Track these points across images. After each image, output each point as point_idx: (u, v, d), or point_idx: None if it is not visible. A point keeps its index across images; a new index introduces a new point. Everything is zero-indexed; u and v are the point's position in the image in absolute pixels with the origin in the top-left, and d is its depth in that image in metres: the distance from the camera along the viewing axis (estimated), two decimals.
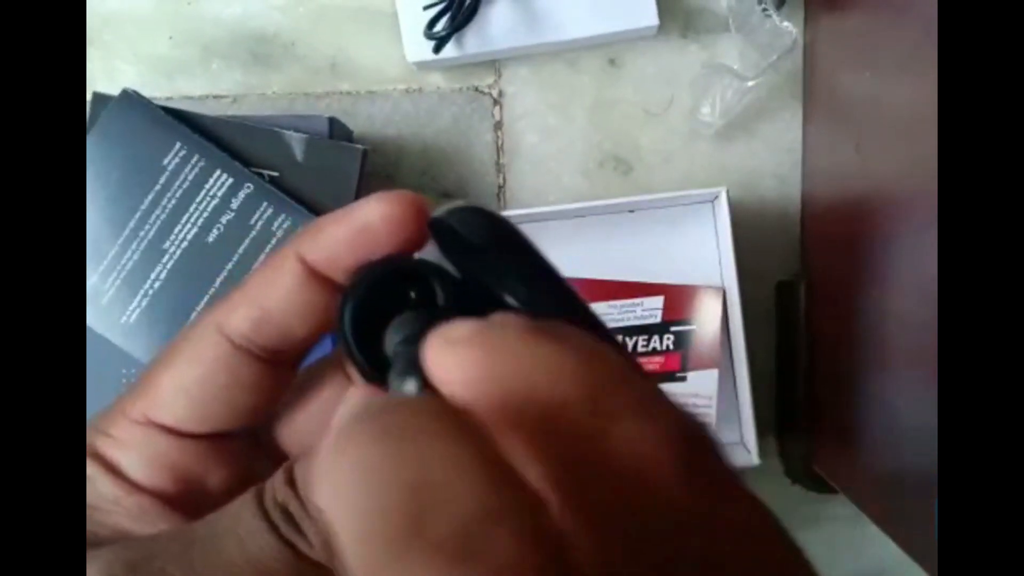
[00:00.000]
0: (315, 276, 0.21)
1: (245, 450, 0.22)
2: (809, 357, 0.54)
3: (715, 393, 0.53)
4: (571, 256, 0.54)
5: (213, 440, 0.21)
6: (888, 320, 0.43)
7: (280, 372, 0.22)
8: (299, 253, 0.21)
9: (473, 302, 0.19)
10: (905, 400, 0.41)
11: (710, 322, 0.53)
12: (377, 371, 0.19)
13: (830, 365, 0.52)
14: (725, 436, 0.54)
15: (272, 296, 0.21)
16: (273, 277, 0.21)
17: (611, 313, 0.53)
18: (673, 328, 0.54)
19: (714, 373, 0.53)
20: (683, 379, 0.53)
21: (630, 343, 0.54)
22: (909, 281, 0.41)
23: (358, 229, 0.20)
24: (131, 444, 0.21)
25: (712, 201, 0.54)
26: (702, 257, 0.55)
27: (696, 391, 0.53)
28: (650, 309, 0.54)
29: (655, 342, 0.54)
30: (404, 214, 0.20)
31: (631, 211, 0.54)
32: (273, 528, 0.17)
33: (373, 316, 0.19)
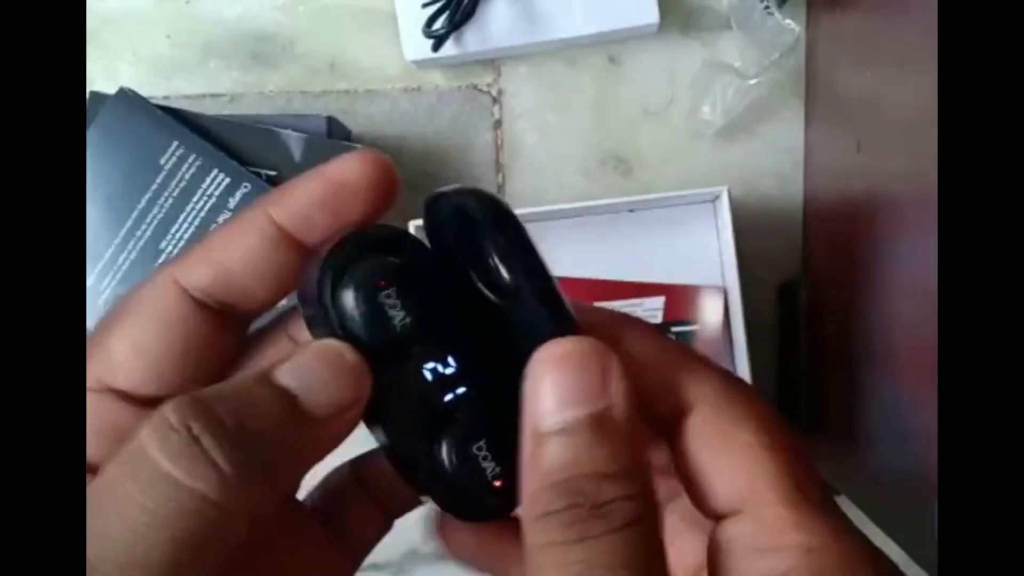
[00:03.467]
0: (284, 236, 0.20)
1: None
2: (810, 357, 0.54)
3: None
4: (571, 256, 0.53)
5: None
6: (889, 320, 0.43)
7: (234, 332, 0.21)
8: (269, 212, 0.20)
9: (442, 278, 0.20)
10: (905, 400, 0.41)
11: (712, 322, 0.53)
12: (344, 332, 0.19)
13: (831, 366, 0.52)
14: None
15: (236, 254, 0.20)
16: (239, 235, 0.20)
17: None
18: (675, 328, 0.54)
19: None
20: None
21: None
22: (910, 281, 0.41)
23: (333, 188, 0.20)
24: (92, 414, 0.20)
25: (713, 201, 0.54)
26: (703, 257, 0.54)
27: None
28: (651, 309, 0.54)
29: None
30: (377, 174, 0.20)
31: (631, 210, 0.54)
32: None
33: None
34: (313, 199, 0.20)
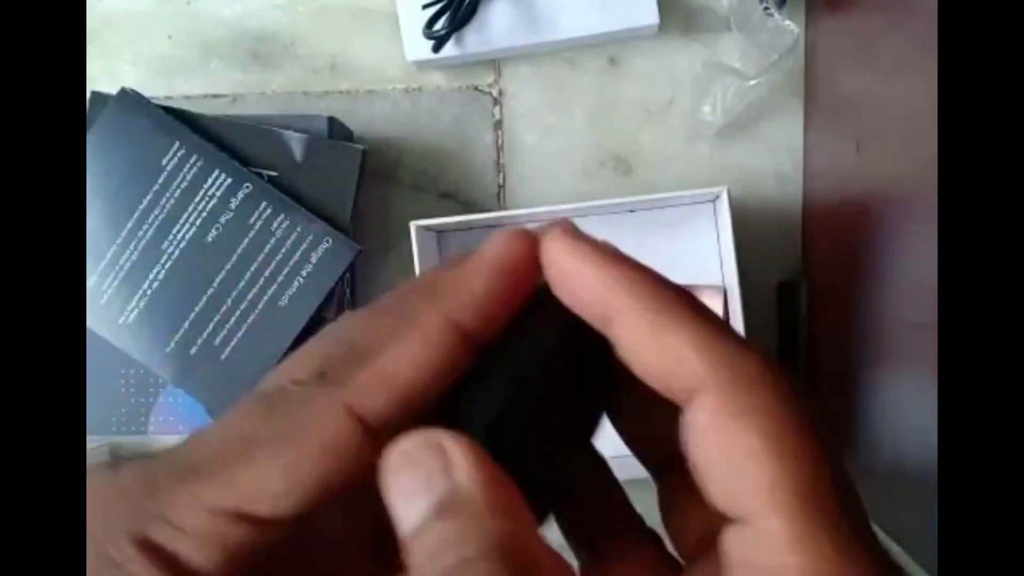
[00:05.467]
0: (464, 339, 0.18)
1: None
2: (809, 357, 0.54)
3: None
4: None
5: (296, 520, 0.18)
6: (889, 320, 0.43)
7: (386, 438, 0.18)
8: (444, 315, 0.18)
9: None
10: (905, 400, 0.41)
11: None
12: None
13: (830, 365, 0.52)
14: None
15: (418, 370, 0.18)
16: (414, 344, 0.18)
17: None
18: None
19: None
20: None
21: None
22: (910, 281, 0.41)
23: (506, 278, 0.19)
24: (202, 535, 0.17)
25: (713, 201, 0.54)
26: (703, 257, 0.54)
27: None
28: None
29: None
30: (531, 250, 0.19)
31: (631, 211, 0.54)
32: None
33: None
34: (491, 293, 0.19)
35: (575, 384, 0.20)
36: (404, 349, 0.18)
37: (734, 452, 0.17)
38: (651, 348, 0.18)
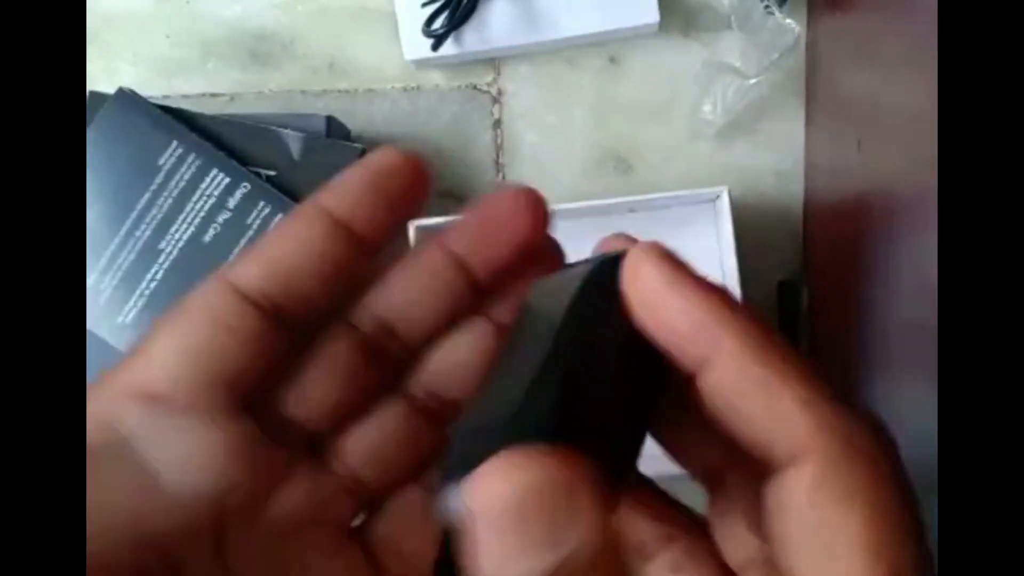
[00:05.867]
0: (337, 227, 0.20)
1: (230, 429, 0.20)
2: (810, 357, 0.54)
3: None
4: (571, 256, 0.53)
5: (200, 409, 0.19)
6: (889, 320, 0.43)
7: (284, 337, 0.20)
8: (319, 204, 0.20)
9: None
10: (905, 400, 0.41)
11: None
12: None
13: (831, 365, 0.52)
14: None
15: (290, 248, 0.20)
16: (292, 230, 0.20)
17: None
18: None
19: None
20: None
21: None
22: (910, 280, 0.40)
23: (375, 173, 0.20)
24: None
25: (714, 201, 0.54)
26: (704, 257, 0.54)
27: None
28: None
29: None
30: (410, 161, 0.20)
31: (631, 210, 0.54)
32: None
33: None
34: (361, 183, 0.20)
35: (631, 395, 0.18)
36: (277, 231, 0.20)
37: (832, 537, 0.15)
38: (754, 399, 0.16)
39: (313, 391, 0.21)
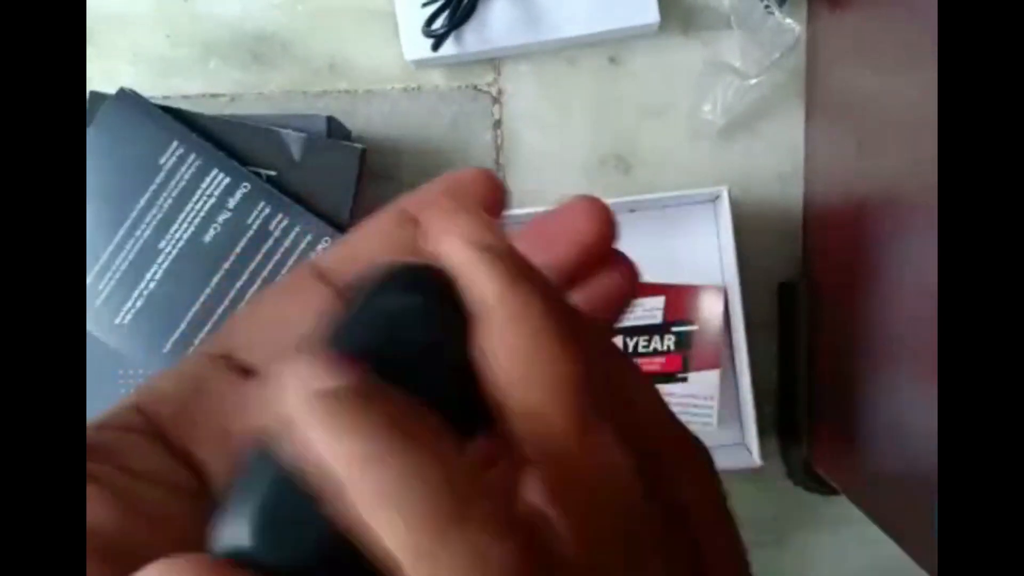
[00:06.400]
0: (410, 217, 0.21)
1: None
2: (810, 357, 0.54)
3: (716, 394, 0.53)
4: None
5: None
6: (889, 320, 0.43)
7: None
8: (402, 207, 0.22)
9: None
10: (906, 400, 0.41)
11: (711, 322, 0.53)
12: None
13: (831, 365, 0.52)
14: (726, 437, 0.54)
15: (377, 245, 0.22)
16: (375, 227, 0.22)
17: None
18: (674, 328, 0.54)
19: (715, 374, 0.53)
20: (684, 380, 0.53)
21: (630, 344, 0.54)
22: (910, 281, 0.40)
23: (457, 183, 0.22)
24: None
25: (713, 201, 0.54)
26: (703, 257, 0.54)
27: (696, 392, 0.53)
28: (651, 309, 0.54)
29: (656, 343, 0.53)
30: (491, 179, 0.22)
31: (632, 211, 0.54)
32: None
33: None
34: (440, 191, 0.22)
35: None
36: (362, 231, 0.22)
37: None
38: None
39: None
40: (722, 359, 0.53)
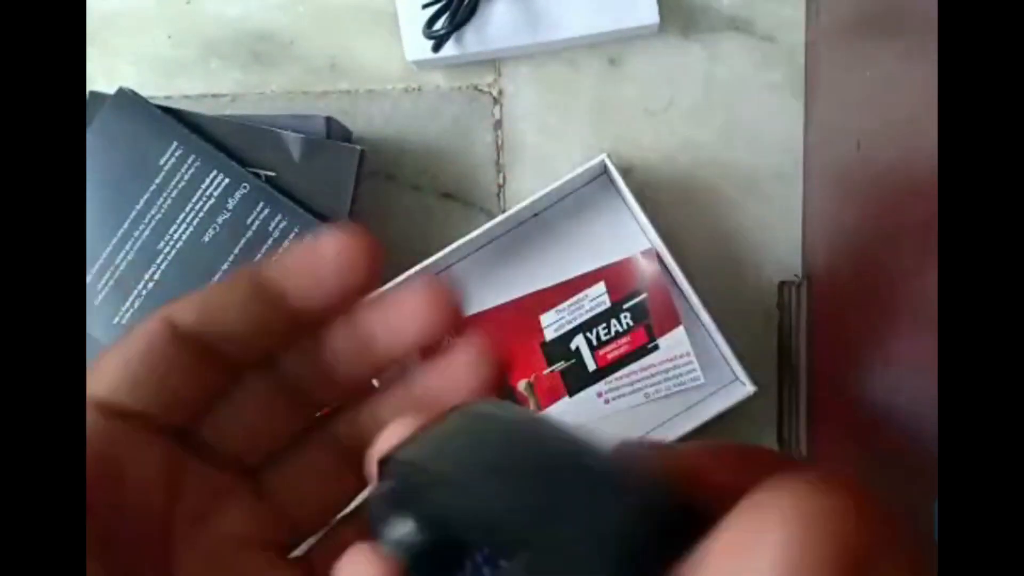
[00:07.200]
0: (268, 291, 0.22)
1: (171, 448, 0.23)
2: (810, 357, 0.54)
3: (690, 348, 0.53)
4: (497, 284, 0.54)
5: (140, 426, 0.22)
6: (889, 320, 0.43)
7: (216, 374, 0.23)
8: (259, 270, 0.23)
9: None
10: (906, 400, 0.41)
11: (656, 285, 0.53)
12: None
13: (831, 365, 0.52)
14: (718, 380, 0.53)
15: (222, 300, 0.23)
16: (230, 284, 0.23)
17: (561, 318, 0.53)
18: (625, 306, 0.54)
19: (680, 330, 0.53)
20: (656, 348, 0.53)
21: (591, 337, 0.53)
22: (911, 281, 0.40)
23: (313, 255, 0.22)
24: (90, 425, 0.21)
25: (603, 173, 0.54)
26: (622, 228, 0.55)
27: (672, 354, 0.53)
28: (596, 298, 0.54)
29: (615, 325, 0.53)
30: (358, 248, 0.22)
31: (535, 215, 0.54)
32: None
33: None
34: (297, 260, 0.22)
35: None
36: (220, 283, 0.23)
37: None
38: None
39: (236, 423, 0.24)
40: (680, 314, 0.53)
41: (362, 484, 0.24)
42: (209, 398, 0.23)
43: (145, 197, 0.48)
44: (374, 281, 0.23)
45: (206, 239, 0.48)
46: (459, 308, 0.23)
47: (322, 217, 0.49)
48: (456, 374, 0.23)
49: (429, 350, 0.24)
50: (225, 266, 0.48)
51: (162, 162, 0.48)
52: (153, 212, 0.48)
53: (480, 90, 0.57)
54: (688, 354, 0.53)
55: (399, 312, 0.23)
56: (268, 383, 0.24)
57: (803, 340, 0.54)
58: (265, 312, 0.22)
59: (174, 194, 0.48)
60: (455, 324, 0.23)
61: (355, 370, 0.24)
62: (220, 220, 0.48)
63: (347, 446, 0.24)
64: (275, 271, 0.22)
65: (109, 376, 0.22)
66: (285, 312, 0.22)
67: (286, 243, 0.48)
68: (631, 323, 0.53)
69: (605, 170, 0.53)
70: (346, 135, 0.54)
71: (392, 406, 0.24)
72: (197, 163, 0.48)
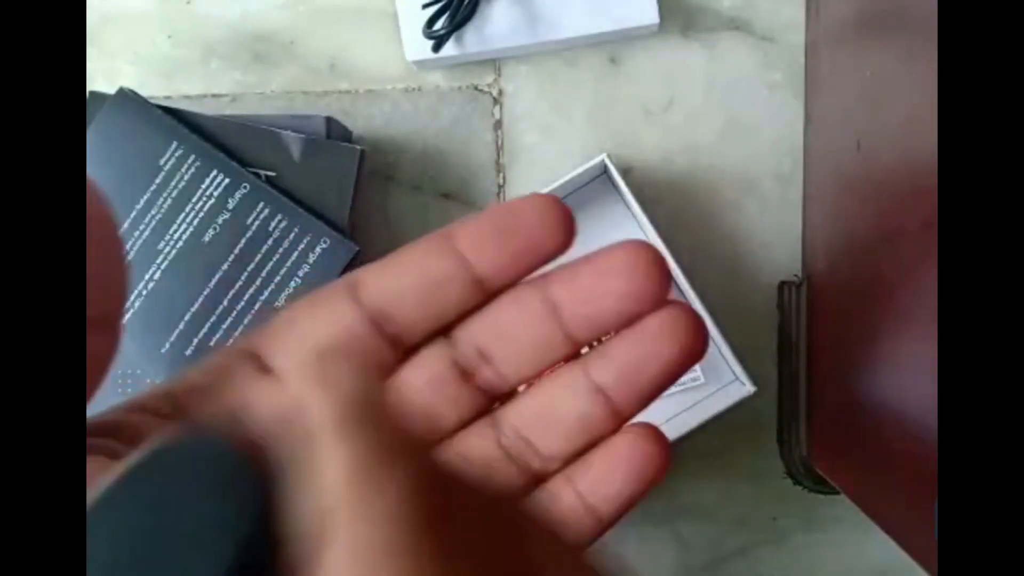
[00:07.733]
0: (462, 264, 0.20)
1: None
2: (810, 357, 0.54)
3: None
4: None
5: None
6: (889, 320, 0.43)
7: (391, 348, 0.21)
8: (449, 239, 0.21)
9: None
10: (906, 400, 0.41)
11: None
12: None
13: (830, 364, 0.52)
14: (718, 381, 0.53)
15: (413, 276, 0.21)
16: (419, 256, 0.21)
17: None
18: None
19: None
20: None
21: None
22: (911, 280, 0.40)
23: (506, 216, 0.20)
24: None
25: (604, 173, 0.54)
26: (622, 228, 0.55)
27: None
28: None
29: None
30: (552, 212, 0.20)
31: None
32: None
33: None
34: (489, 224, 0.20)
35: None
36: (407, 255, 0.21)
37: None
38: None
39: (409, 398, 0.21)
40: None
41: (522, 480, 0.22)
42: (384, 376, 0.21)
43: (145, 197, 0.48)
44: (568, 242, 0.20)
45: (206, 239, 0.48)
46: (667, 277, 0.20)
47: (322, 217, 0.49)
48: (653, 345, 0.20)
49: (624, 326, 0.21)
50: (225, 266, 0.48)
51: (162, 162, 0.48)
52: (153, 212, 0.48)
53: (480, 90, 0.57)
54: None
55: (594, 280, 0.20)
56: (441, 360, 0.22)
57: (803, 340, 0.54)
58: (453, 291, 0.20)
59: (174, 194, 0.48)
60: (661, 298, 0.20)
61: (535, 351, 0.21)
62: (220, 220, 0.48)
63: (509, 437, 0.22)
64: (464, 236, 0.20)
65: (287, 343, 0.20)
66: (473, 286, 0.20)
67: (286, 243, 0.48)
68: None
69: (605, 170, 0.53)
70: (346, 135, 0.54)
71: (570, 396, 0.21)
72: (197, 163, 0.48)
